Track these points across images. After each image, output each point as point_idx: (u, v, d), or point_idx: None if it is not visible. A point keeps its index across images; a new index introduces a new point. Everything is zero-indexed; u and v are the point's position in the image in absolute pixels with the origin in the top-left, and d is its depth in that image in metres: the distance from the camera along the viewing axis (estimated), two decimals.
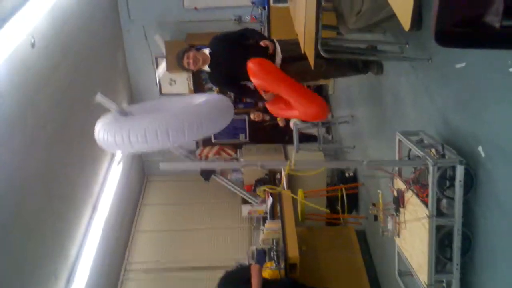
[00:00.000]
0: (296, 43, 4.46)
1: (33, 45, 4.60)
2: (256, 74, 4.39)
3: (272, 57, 4.63)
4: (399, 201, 3.27)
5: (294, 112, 4.71)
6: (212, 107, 2.78)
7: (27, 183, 4.56)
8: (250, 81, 4.62)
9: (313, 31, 3.76)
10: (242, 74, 4.57)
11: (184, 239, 7.51)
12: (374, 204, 3.64)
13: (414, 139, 3.27)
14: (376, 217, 3.60)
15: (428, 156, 2.90)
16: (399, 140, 3.37)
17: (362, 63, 4.64)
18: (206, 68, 4.65)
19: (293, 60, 4.63)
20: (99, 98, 2.79)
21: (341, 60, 4.65)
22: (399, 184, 3.33)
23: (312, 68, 4.04)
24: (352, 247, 5.56)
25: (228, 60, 4.64)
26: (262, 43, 4.57)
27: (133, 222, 7.86)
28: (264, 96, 4.57)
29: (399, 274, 3.59)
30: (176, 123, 2.53)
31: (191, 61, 4.51)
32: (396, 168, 3.40)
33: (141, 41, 7.86)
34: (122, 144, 2.53)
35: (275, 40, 4.80)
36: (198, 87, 8.05)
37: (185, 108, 2.82)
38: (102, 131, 2.60)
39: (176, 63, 4.68)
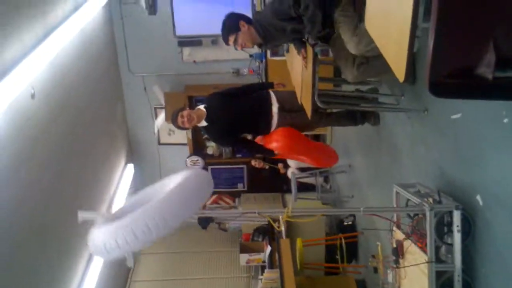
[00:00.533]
0: (292, 93, 4.60)
1: (33, 96, 4.66)
2: (285, 146, 4.67)
3: (269, 106, 4.70)
4: (398, 252, 3.28)
5: (307, 160, 5.14)
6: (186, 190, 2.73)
7: (23, 228, 4.52)
8: (248, 133, 4.73)
9: (310, 83, 3.86)
10: (239, 128, 4.67)
11: (181, 287, 7.40)
12: (373, 256, 3.65)
13: (412, 190, 3.31)
14: (376, 269, 3.60)
15: (424, 202, 2.94)
16: (397, 192, 3.42)
17: (360, 114, 4.70)
18: (203, 123, 4.67)
19: (289, 110, 4.71)
20: (81, 215, 2.79)
21: (339, 113, 4.76)
22: (398, 235, 3.35)
23: (309, 118, 4.12)
24: None
25: (225, 114, 4.66)
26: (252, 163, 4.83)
27: (130, 271, 7.77)
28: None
29: None
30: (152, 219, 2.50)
31: (185, 119, 4.54)
32: (395, 219, 3.44)
33: (140, 93, 7.99)
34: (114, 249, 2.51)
35: (270, 92, 4.85)
36: (196, 137, 8.14)
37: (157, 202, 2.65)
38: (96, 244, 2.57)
39: (172, 123, 4.73)
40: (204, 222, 3.19)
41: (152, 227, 2.46)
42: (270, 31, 3.76)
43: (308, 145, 4.96)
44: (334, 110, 4.82)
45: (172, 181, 2.88)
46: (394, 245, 3.33)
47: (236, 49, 4.04)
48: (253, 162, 7.64)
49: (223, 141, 5.09)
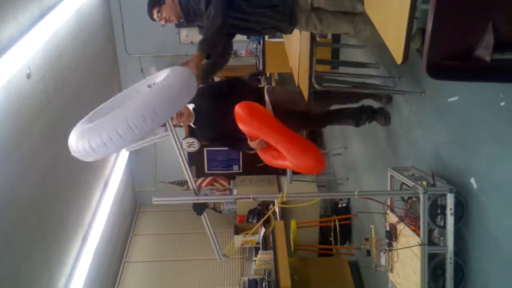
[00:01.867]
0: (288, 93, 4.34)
1: (28, 76, 4.66)
2: (244, 120, 3.87)
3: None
4: (391, 235, 3.32)
5: (287, 163, 4.02)
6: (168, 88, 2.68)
7: (19, 211, 4.56)
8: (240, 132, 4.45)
9: (307, 65, 3.85)
10: (230, 129, 4.08)
11: (176, 269, 7.48)
12: (366, 239, 3.68)
13: (406, 174, 3.33)
14: (369, 252, 3.63)
15: (418, 185, 2.97)
16: (391, 175, 3.45)
17: (366, 114, 4.37)
18: (191, 124, 4.38)
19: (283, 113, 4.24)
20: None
21: (343, 112, 4.51)
22: (392, 219, 3.38)
23: (306, 101, 4.04)
24: (344, 278, 5.56)
25: (214, 123, 4.29)
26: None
27: (124, 251, 7.84)
28: (251, 144, 3.97)
29: None
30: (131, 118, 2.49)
31: (174, 115, 4.14)
32: (389, 202, 3.47)
33: (137, 74, 7.95)
34: (101, 148, 2.54)
35: (265, 91, 4.42)
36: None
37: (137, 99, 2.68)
38: (76, 141, 2.60)
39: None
40: (199, 208, 3.14)
41: (147, 116, 2.49)
42: (191, 10, 3.57)
43: (278, 125, 3.95)
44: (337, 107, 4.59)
45: (156, 78, 2.88)
46: (388, 228, 3.36)
47: (162, 25, 3.74)
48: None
49: (216, 142, 4.79)
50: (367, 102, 4.46)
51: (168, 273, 7.41)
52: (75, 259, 5.81)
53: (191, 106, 4.34)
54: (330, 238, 5.89)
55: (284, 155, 3.85)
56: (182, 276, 7.34)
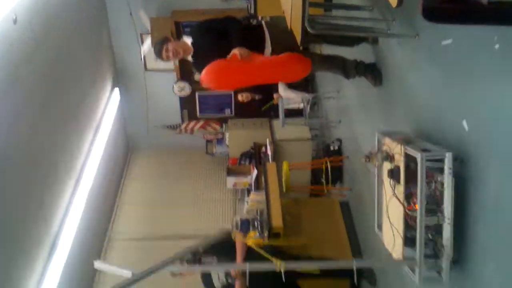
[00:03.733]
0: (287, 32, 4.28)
1: (15, 21, 4.57)
2: (216, 85, 4.45)
3: (262, 49, 4.53)
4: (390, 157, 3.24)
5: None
6: None
7: (11, 154, 4.59)
8: None
9: (299, 8, 3.83)
10: None
11: (169, 211, 7.58)
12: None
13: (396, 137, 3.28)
14: (368, 158, 3.47)
15: (417, 150, 2.89)
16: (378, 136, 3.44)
17: (357, 71, 4.47)
18: (189, 58, 4.54)
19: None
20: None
21: (334, 60, 4.61)
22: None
23: (299, 44, 4.06)
24: (335, 218, 5.72)
25: (211, 52, 4.42)
26: (233, 52, 4.21)
27: (117, 194, 7.93)
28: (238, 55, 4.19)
29: (379, 227, 3.63)
30: None
31: (170, 54, 4.40)
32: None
33: (126, 18, 7.84)
34: None
35: (264, 25, 4.65)
36: (183, 63, 8.06)
37: None
38: None
39: (155, 55, 4.56)
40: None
41: None
42: None
43: (253, 66, 4.34)
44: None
45: None
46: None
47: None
48: (240, 98, 7.61)
49: None
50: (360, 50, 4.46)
51: (161, 214, 7.51)
52: (69, 200, 5.90)
53: (189, 40, 4.41)
54: (322, 180, 6.01)
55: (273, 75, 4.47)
56: (175, 216, 7.46)
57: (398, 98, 4.02)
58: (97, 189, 6.78)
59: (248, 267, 3.35)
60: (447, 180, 2.82)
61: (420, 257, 2.92)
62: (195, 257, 2.90)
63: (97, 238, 6.99)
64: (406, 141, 3.15)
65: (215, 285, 4.65)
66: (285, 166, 5.86)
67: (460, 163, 2.85)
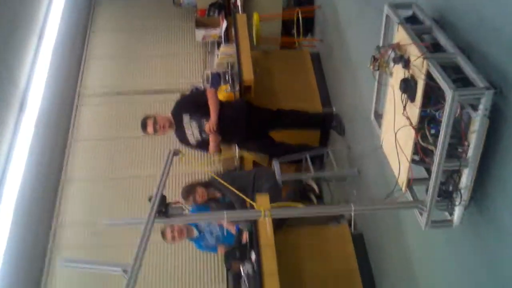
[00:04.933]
0: None
1: None
2: None
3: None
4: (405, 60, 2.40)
5: None
6: None
7: None
8: None
9: None
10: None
11: (138, 65, 7.43)
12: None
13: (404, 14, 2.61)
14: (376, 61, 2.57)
15: (448, 83, 2.11)
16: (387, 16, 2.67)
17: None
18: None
19: None
20: None
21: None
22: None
23: None
24: (306, 69, 5.69)
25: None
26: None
27: (83, 49, 7.65)
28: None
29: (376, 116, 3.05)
30: None
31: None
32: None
33: None
34: None
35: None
36: None
37: None
38: None
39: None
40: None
41: None
42: None
43: None
44: None
45: None
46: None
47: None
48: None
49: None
50: None
51: (130, 68, 7.34)
52: (33, 56, 5.73)
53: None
54: (293, 31, 5.88)
55: None
56: (145, 71, 7.31)
57: None
58: (61, 45, 6.54)
59: None
60: (481, 121, 2.16)
61: (431, 204, 2.42)
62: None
63: (66, 96, 6.85)
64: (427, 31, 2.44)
65: (190, 142, 4.70)
66: (255, 17, 5.67)
67: (499, 93, 2.15)
